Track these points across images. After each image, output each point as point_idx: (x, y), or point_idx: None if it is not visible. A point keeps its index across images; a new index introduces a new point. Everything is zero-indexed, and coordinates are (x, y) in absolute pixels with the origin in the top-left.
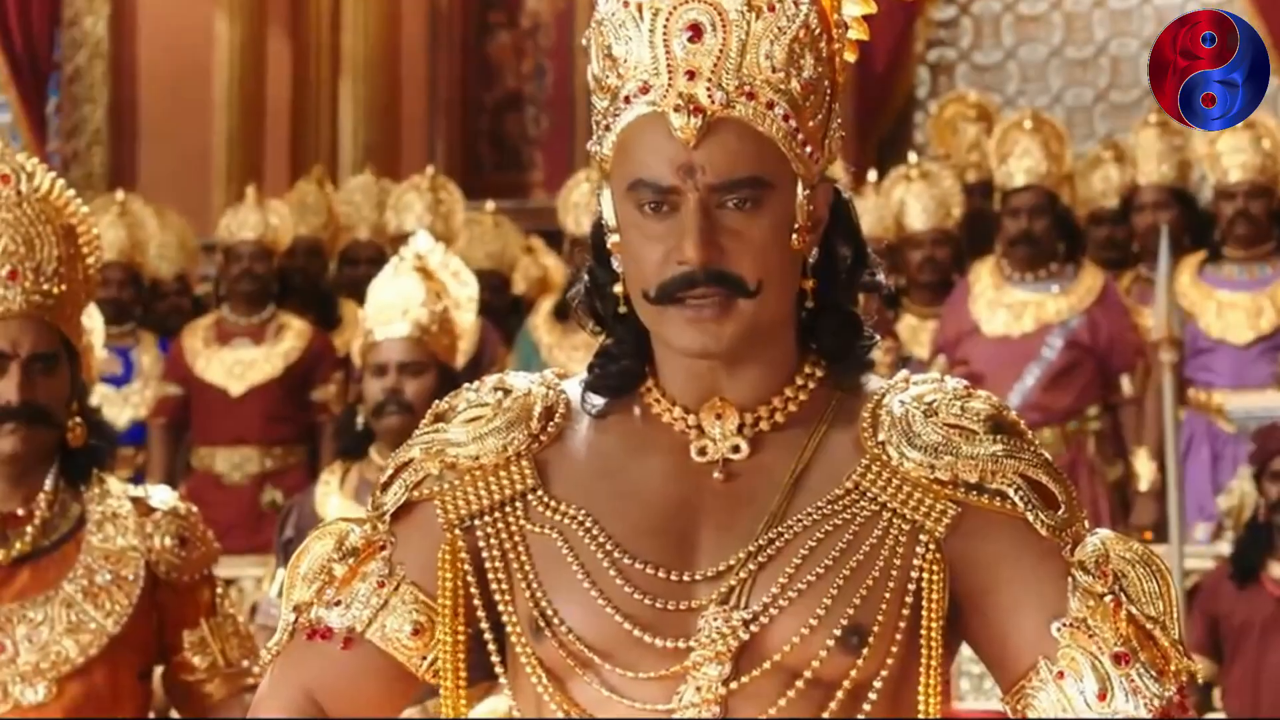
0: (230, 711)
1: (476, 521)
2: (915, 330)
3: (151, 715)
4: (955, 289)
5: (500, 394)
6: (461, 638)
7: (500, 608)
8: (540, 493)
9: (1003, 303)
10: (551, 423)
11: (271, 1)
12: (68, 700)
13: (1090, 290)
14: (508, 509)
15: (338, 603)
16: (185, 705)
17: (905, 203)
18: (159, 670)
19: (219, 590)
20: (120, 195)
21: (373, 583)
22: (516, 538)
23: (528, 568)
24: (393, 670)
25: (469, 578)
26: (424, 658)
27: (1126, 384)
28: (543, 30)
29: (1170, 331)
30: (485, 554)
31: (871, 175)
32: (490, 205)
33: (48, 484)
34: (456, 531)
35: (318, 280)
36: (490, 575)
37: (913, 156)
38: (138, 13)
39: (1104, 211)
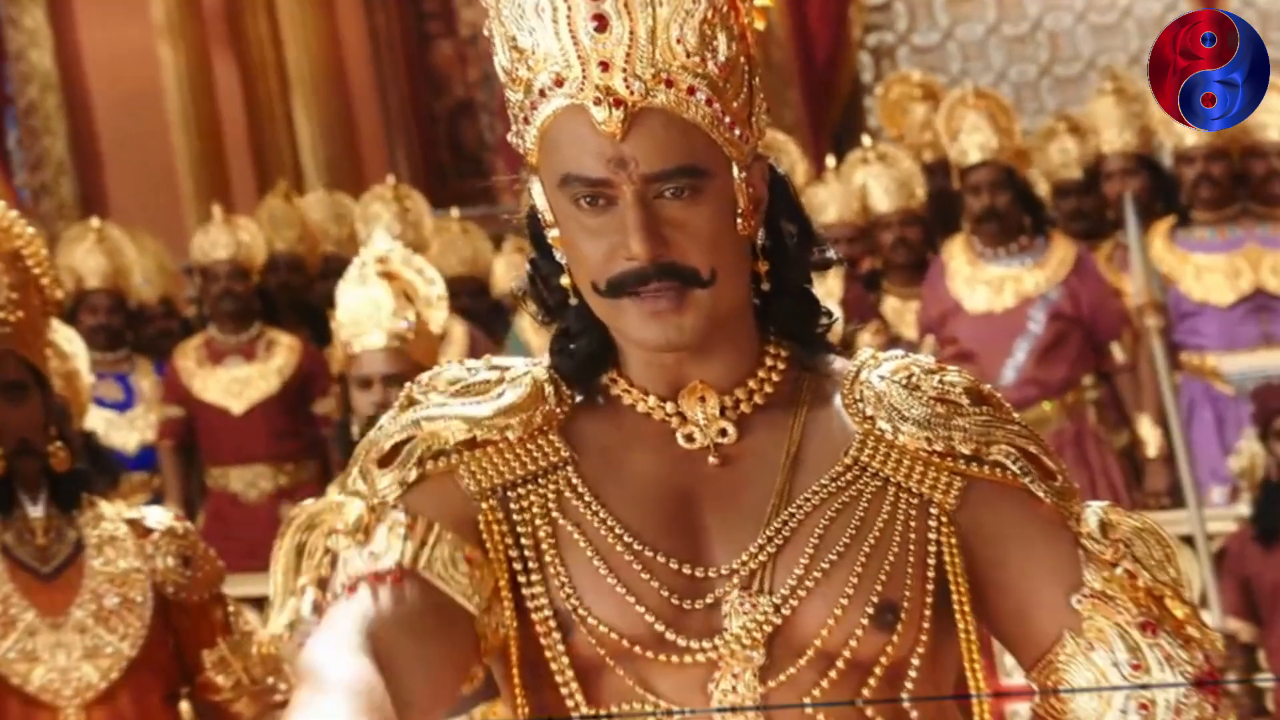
0: None
1: (510, 493)
2: (899, 311)
3: None
4: (931, 268)
5: (499, 370)
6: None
7: (525, 593)
8: (570, 470)
9: (980, 279)
10: (562, 402)
11: (211, 24)
12: None
13: (1063, 261)
14: (541, 481)
15: (371, 554)
16: None
17: (867, 185)
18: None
19: (230, 609)
20: (95, 222)
21: (400, 529)
22: (554, 514)
23: (550, 555)
24: (449, 609)
25: (510, 552)
26: (480, 595)
27: (1117, 351)
28: (483, 38)
29: (1151, 296)
30: (521, 529)
31: (830, 161)
32: (455, 213)
33: (39, 512)
34: (491, 502)
35: (304, 295)
36: (517, 554)
37: (867, 140)
38: (80, 43)
39: (1069, 183)
